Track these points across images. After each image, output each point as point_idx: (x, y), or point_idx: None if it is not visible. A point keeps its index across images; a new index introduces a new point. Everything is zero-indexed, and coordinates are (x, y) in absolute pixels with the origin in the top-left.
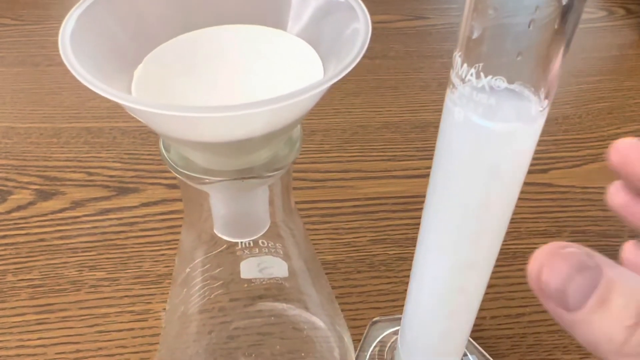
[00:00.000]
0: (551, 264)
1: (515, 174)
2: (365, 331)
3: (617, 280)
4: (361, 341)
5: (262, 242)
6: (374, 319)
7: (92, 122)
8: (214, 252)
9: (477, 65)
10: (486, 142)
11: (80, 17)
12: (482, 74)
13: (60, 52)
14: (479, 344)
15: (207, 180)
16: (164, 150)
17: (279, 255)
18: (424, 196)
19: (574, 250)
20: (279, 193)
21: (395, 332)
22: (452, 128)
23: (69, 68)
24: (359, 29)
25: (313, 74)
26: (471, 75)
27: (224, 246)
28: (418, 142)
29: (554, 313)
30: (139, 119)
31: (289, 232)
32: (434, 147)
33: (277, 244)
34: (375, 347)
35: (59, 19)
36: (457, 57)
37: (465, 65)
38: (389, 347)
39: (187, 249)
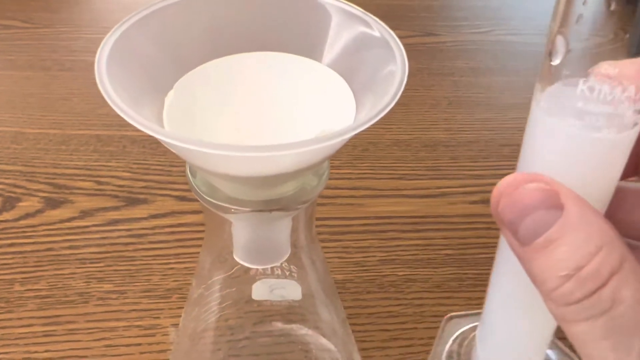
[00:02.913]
0: (510, 195)
1: (609, 183)
2: (441, 327)
3: (573, 226)
4: (436, 337)
5: (278, 265)
6: (450, 315)
7: (101, 130)
8: (229, 273)
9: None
10: (582, 151)
11: (115, 43)
12: (588, 84)
13: (97, 80)
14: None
15: (233, 210)
16: (190, 176)
17: (294, 279)
18: (434, 217)
19: (538, 186)
20: (302, 222)
21: (473, 329)
22: (548, 139)
23: (106, 98)
24: (395, 70)
25: (345, 108)
26: (581, 87)
27: (238, 266)
28: (428, 160)
29: (508, 241)
30: (169, 148)
31: (309, 258)
32: (444, 166)
33: (291, 266)
34: (452, 342)
35: (69, 23)
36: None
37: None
38: (467, 342)
39: (204, 270)
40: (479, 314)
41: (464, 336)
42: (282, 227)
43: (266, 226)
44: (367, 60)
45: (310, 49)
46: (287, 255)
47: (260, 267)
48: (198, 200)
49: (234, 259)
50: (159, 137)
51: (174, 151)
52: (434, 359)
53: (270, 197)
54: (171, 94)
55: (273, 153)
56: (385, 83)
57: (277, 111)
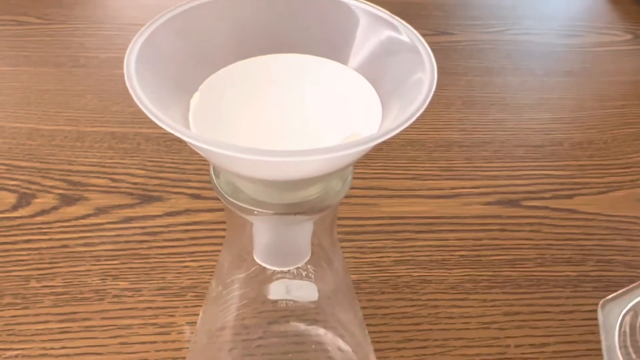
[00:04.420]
0: None
1: None
2: (599, 318)
3: None
4: (600, 329)
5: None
6: (604, 299)
7: (116, 127)
8: (248, 272)
9: None
10: None
11: (143, 44)
12: None
13: (127, 82)
14: None
15: (256, 212)
16: (213, 177)
17: (312, 280)
18: (448, 217)
19: None
20: (323, 226)
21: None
22: None
23: (136, 101)
24: (423, 77)
25: (371, 113)
26: None
27: (256, 266)
28: (442, 161)
29: None
30: (196, 150)
31: (329, 262)
32: (458, 166)
33: (309, 266)
34: (620, 329)
35: (83, 19)
36: None
37: None
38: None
39: (224, 269)
40: (633, 289)
41: (629, 319)
42: (303, 230)
43: (288, 229)
44: (394, 65)
45: (337, 52)
46: (307, 258)
47: (280, 269)
48: (212, 199)
49: (252, 259)
50: (186, 139)
51: (200, 153)
52: (609, 353)
53: (293, 200)
54: (197, 95)
55: (301, 158)
56: (413, 89)
57: (303, 114)
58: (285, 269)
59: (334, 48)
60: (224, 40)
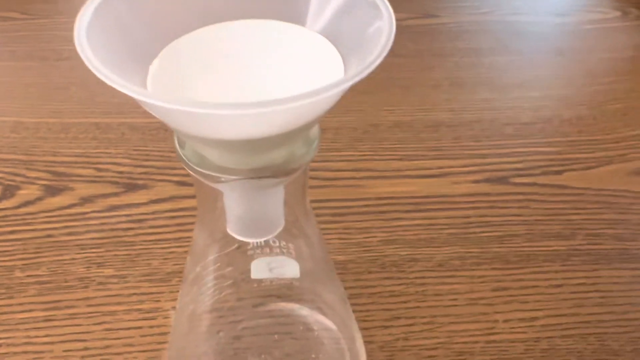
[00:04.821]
0: None
1: None
2: None
3: None
4: None
5: (274, 242)
6: None
7: (100, 118)
8: (225, 251)
9: None
10: None
11: (97, 9)
12: None
13: (76, 44)
14: (491, 347)
15: (222, 179)
16: (178, 147)
17: (291, 256)
18: (436, 196)
19: None
20: (294, 193)
21: None
22: None
23: (86, 62)
24: (383, 27)
25: (334, 72)
26: None
27: (235, 245)
28: (430, 141)
29: None
30: (154, 115)
31: (303, 232)
32: (446, 147)
33: (289, 244)
34: None
35: (67, 13)
36: None
37: None
38: None
39: (199, 248)
40: None
41: None
42: (274, 197)
43: (258, 196)
44: (353, 21)
45: (296, 14)
46: (281, 227)
47: (253, 241)
48: None
49: (229, 236)
50: (142, 98)
51: (157, 116)
52: None
53: (259, 164)
54: (156, 62)
55: (261, 109)
56: (372, 41)
57: (264, 78)
58: (259, 240)
59: (293, 11)
60: (182, 7)
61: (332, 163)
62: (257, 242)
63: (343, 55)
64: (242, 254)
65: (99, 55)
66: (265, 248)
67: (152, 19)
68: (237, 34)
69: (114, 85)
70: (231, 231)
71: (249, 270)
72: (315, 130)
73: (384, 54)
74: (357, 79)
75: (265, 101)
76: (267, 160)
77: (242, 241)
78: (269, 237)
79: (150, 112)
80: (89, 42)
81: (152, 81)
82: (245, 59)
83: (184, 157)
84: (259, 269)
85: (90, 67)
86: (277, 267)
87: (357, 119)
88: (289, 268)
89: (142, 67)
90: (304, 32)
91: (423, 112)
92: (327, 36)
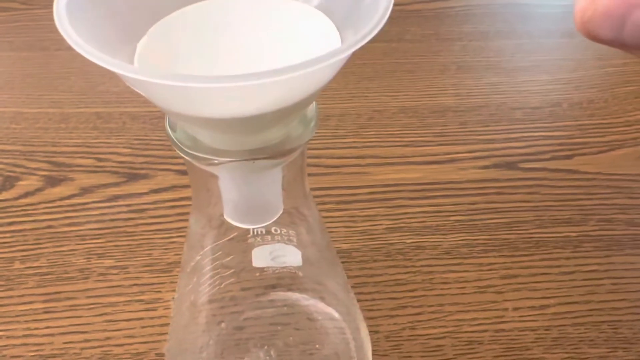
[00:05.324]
0: None
1: None
2: None
3: None
4: None
5: (275, 230)
6: None
7: (101, 107)
8: (224, 240)
9: None
10: None
11: None
12: None
13: (55, 19)
14: (500, 336)
15: (216, 161)
16: (169, 130)
17: (292, 243)
18: (443, 183)
19: None
20: (292, 177)
21: None
22: None
23: (64, 35)
24: None
25: (330, 45)
26: None
27: (235, 233)
28: (436, 127)
29: None
30: (142, 93)
31: (304, 219)
32: (453, 132)
33: (290, 231)
34: None
35: None
36: None
37: None
38: None
39: (196, 236)
40: None
41: None
42: (271, 180)
43: (254, 179)
44: None
45: None
46: (280, 213)
47: (252, 227)
48: None
49: (227, 223)
50: (127, 74)
51: (145, 95)
52: None
53: (253, 145)
54: (144, 40)
55: (253, 81)
56: (370, 13)
57: (258, 53)
58: (258, 226)
59: None
60: None
61: (336, 150)
62: (257, 230)
63: (339, 29)
64: (242, 242)
65: (85, 36)
66: (266, 236)
67: None
68: (228, 9)
69: (95, 61)
70: (228, 217)
71: (249, 259)
72: (312, 109)
73: (382, 23)
74: (353, 48)
75: (258, 73)
76: (262, 141)
77: (241, 228)
78: (267, 223)
79: (138, 91)
80: (72, 21)
81: (139, 59)
82: (237, 34)
83: (175, 140)
84: (261, 257)
85: (71, 43)
86: (279, 256)
87: (362, 105)
88: (290, 256)
89: (130, 45)
90: (298, 5)
91: (429, 97)
92: (322, 9)
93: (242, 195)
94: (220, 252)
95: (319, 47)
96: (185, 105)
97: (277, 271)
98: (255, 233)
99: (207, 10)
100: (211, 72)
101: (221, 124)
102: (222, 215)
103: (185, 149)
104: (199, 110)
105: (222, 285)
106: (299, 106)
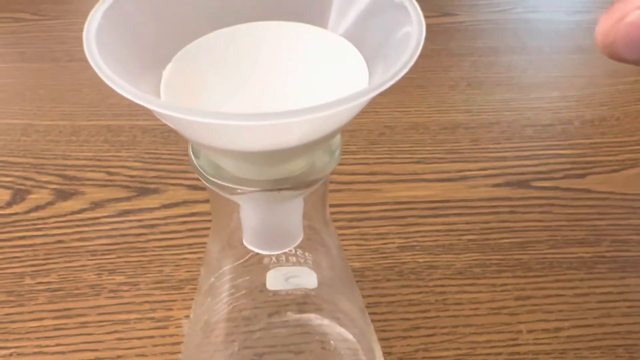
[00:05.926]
0: None
1: None
2: None
3: None
4: None
5: (291, 251)
6: None
7: (112, 120)
8: (240, 261)
9: None
10: None
11: (106, 12)
12: None
13: (85, 50)
14: (515, 359)
15: (239, 190)
16: (193, 157)
17: (309, 266)
18: (455, 201)
19: None
20: (314, 204)
21: None
22: None
23: (94, 67)
24: (412, 32)
25: (357, 78)
26: None
27: (250, 254)
28: (447, 144)
29: None
30: (168, 123)
31: (322, 243)
32: (464, 149)
33: (306, 253)
34: None
35: (78, 13)
36: None
37: None
38: None
39: (213, 258)
40: None
41: None
42: (293, 209)
43: (276, 208)
44: (378, 24)
45: (318, 16)
46: (300, 239)
47: (272, 253)
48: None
49: (244, 246)
50: (153, 108)
51: (171, 125)
52: None
53: (278, 175)
54: (170, 66)
55: (280, 120)
56: (399, 46)
57: (285, 83)
58: (277, 252)
59: (315, 12)
60: (197, 9)
61: (348, 167)
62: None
63: (367, 60)
64: (257, 263)
65: (110, 63)
66: (281, 257)
67: (166, 21)
68: (255, 37)
69: (123, 93)
70: (247, 243)
71: (264, 281)
72: (337, 138)
73: (412, 61)
74: (383, 88)
75: (285, 112)
76: (287, 171)
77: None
78: (287, 249)
79: (164, 121)
80: (98, 47)
81: (165, 88)
82: (264, 64)
83: (198, 168)
84: (275, 279)
85: (101, 76)
86: (293, 278)
87: (372, 121)
88: (305, 278)
89: (156, 72)
90: (326, 35)
91: (440, 113)
92: (351, 39)
93: (263, 223)
94: (234, 274)
95: (347, 79)
96: (212, 138)
97: (291, 293)
98: (271, 255)
99: (233, 36)
100: (238, 102)
101: (245, 155)
102: (240, 238)
103: (209, 177)
104: (224, 143)
105: (236, 306)
106: (326, 139)
